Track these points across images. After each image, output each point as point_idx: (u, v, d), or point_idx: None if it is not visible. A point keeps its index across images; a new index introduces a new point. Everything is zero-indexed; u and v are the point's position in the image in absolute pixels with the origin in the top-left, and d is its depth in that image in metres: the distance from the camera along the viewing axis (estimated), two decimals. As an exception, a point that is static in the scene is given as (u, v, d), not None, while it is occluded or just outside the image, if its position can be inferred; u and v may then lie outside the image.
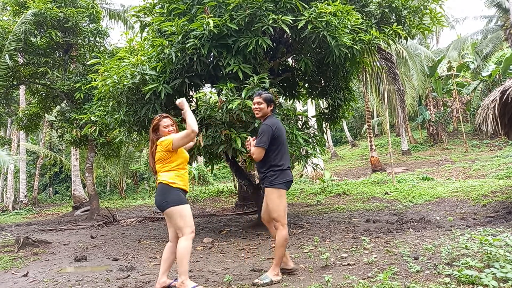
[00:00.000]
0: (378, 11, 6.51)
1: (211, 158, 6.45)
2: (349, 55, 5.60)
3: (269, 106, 3.55)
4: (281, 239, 3.39)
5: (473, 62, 24.10)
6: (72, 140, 10.74)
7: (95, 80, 6.38)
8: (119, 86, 5.66)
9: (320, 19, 5.26)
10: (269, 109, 3.56)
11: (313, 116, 8.61)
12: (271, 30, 5.24)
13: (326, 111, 8.08)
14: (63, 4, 10.59)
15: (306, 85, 7.92)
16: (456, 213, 7.21)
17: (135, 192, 24.11)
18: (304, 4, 5.54)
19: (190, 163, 3.54)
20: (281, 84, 7.53)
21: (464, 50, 29.10)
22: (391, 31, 6.17)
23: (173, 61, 5.37)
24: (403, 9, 6.52)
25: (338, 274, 3.50)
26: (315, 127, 8.07)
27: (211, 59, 5.84)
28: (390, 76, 11.55)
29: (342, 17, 5.48)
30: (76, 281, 3.95)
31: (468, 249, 3.78)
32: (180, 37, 5.37)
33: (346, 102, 7.78)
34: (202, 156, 6.66)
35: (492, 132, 6.28)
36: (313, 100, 8.73)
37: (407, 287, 2.93)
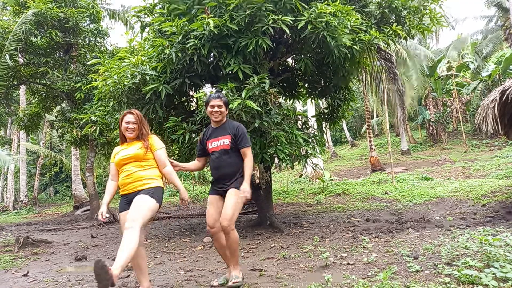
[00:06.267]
0: (378, 11, 6.51)
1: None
2: (348, 55, 5.60)
3: (227, 110, 3.56)
4: (237, 240, 3.28)
5: (473, 62, 24.12)
6: (72, 140, 10.74)
7: (95, 80, 6.39)
8: (120, 86, 5.67)
9: (320, 20, 5.26)
10: (226, 113, 3.56)
11: (313, 116, 8.62)
12: (271, 30, 5.24)
13: (326, 111, 8.09)
14: (63, 4, 10.57)
15: (306, 85, 7.92)
16: (456, 212, 7.22)
17: (135, 192, 24.06)
18: (304, 4, 5.54)
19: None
20: (281, 84, 7.53)
21: (464, 50, 29.11)
22: (391, 31, 6.17)
23: (174, 61, 5.38)
24: (402, 9, 6.52)
25: (338, 273, 3.51)
26: (315, 127, 8.08)
27: (211, 59, 5.84)
28: (389, 76, 11.57)
29: (342, 18, 5.47)
30: (77, 280, 3.96)
31: (467, 249, 3.79)
32: (180, 37, 5.37)
33: (346, 102, 7.79)
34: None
35: (491, 132, 6.29)
36: (313, 100, 8.74)
37: (407, 286, 2.94)
